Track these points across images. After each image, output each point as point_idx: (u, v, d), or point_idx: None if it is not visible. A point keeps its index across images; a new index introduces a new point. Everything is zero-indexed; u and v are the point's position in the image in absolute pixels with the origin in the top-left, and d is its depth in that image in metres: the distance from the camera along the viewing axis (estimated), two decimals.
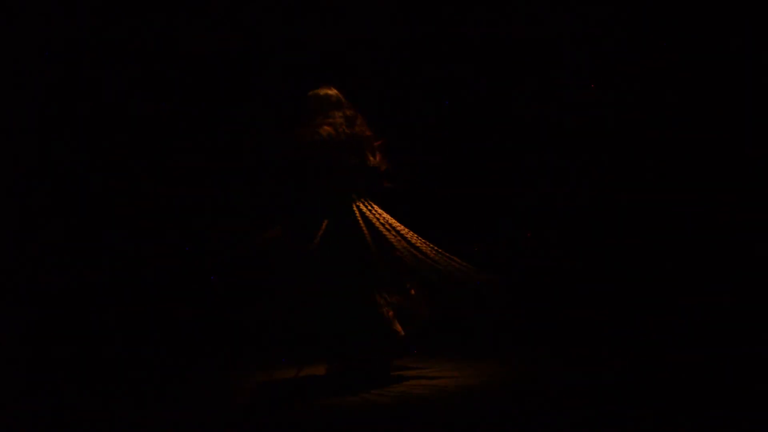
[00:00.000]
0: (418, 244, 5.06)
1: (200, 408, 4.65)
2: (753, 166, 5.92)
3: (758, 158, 5.89)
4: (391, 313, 4.94)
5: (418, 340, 5.26)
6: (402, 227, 5.11)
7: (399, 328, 4.93)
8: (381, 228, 5.04)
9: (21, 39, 6.08)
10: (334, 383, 5.01)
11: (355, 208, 5.06)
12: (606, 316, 6.02)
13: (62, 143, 6.24)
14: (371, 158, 5.15)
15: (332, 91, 5.17)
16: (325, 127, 5.04)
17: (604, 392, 4.59)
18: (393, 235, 5.04)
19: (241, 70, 6.41)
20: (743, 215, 5.88)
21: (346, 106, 5.16)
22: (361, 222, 5.02)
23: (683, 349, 5.39)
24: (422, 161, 6.31)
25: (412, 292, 5.06)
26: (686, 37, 6.08)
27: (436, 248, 5.07)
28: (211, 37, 6.33)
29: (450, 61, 6.42)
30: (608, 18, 6.20)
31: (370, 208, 5.11)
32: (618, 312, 6.04)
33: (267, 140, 5.42)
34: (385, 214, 5.12)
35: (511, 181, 6.38)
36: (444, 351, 5.70)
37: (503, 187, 6.38)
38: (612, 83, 6.25)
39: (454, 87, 6.44)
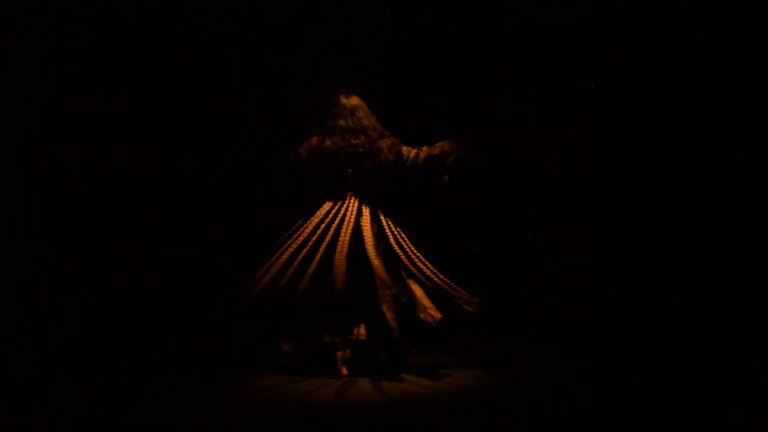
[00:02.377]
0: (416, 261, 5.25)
1: (199, 408, 4.65)
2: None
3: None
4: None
5: (417, 340, 5.27)
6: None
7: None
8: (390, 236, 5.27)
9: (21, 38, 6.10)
10: (332, 383, 5.03)
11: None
12: (606, 316, 6.05)
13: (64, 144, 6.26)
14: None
15: (356, 100, 5.44)
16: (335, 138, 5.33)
17: (603, 392, 4.60)
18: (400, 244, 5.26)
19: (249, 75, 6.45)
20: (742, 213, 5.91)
21: (359, 114, 5.40)
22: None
23: (682, 348, 5.40)
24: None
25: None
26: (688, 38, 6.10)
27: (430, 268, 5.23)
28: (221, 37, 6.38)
29: (449, 61, 6.44)
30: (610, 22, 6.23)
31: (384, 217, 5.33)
32: (618, 311, 6.06)
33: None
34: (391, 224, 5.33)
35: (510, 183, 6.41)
36: (443, 351, 5.70)
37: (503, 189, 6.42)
38: (612, 83, 6.27)
39: (453, 87, 6.46)
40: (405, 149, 5.37)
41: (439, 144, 5.34)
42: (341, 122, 5.37)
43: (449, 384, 4.90)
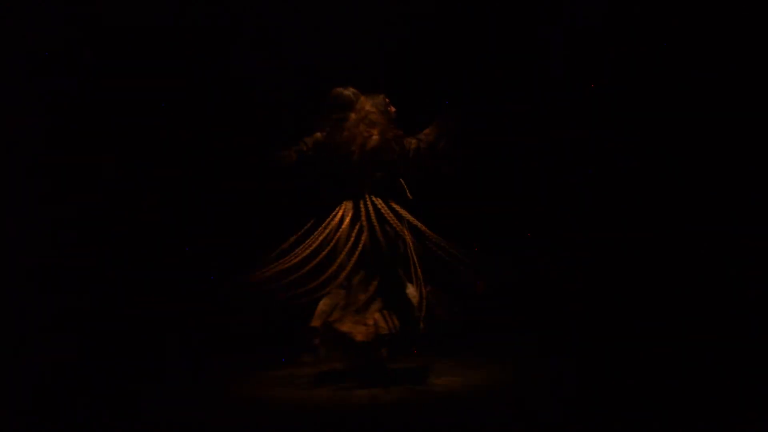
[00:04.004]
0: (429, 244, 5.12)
1: (199, 408, 4.66)
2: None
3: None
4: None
5: (418, 340, 5.26)
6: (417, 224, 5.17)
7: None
8: (396, 224, 5.11)
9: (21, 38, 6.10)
10: (334, 380, 5.03)
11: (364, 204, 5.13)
12: (606, 315, 6.05)
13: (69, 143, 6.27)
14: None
15: (350, 91, 5.23)
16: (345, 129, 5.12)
17: (604, 392, 4.61)
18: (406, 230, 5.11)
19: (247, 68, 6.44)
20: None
21: (366, 107, 5.19)
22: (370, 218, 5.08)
23: (682, 347, 5.40)
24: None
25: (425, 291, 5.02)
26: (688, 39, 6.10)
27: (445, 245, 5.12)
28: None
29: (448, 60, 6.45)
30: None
31: (383, 205, 5.16)
32: (619, 310, 6.06)
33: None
34: (402, 211, 5.18)
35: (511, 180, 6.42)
36: (446, 351, 5.71)
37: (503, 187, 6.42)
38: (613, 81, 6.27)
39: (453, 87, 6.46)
40: (406, 140, 5.24)
41: (426, 131, 5.24)
42: (352, 115, 5.18)
43: (449, 384, 4.90)
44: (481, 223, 6.37)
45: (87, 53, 6.21)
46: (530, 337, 6.03)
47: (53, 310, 6.08)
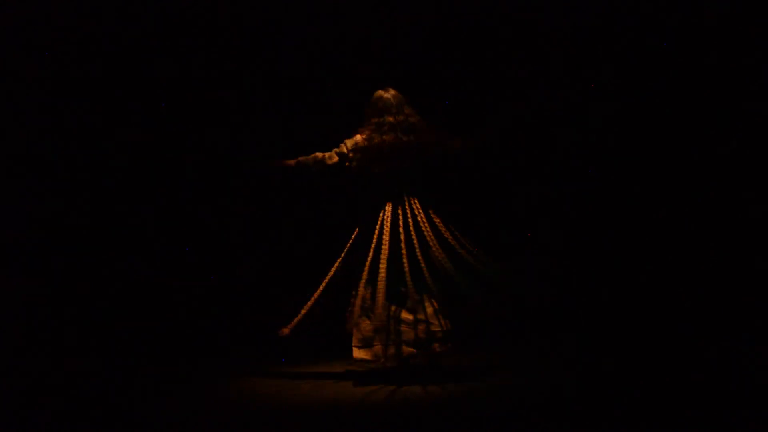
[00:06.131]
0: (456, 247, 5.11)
1: (199, 408, 4.66)
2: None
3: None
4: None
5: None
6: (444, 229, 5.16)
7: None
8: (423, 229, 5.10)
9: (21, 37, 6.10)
10: (334, 380, 5.04)
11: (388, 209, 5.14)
12: (608, 315, 6.06)
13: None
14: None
15: (391, 94, 5.20)
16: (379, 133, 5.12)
17: (605, 392, 4.62)
18: (430, 237, 5.09)
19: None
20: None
21: (405, 110, 5.19)
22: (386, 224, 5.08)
23: (682, 347, 5.41)
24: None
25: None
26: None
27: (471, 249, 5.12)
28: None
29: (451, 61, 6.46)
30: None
31: (416, 209, 5.15)
32: (619, 311, 6.07)
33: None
34: (428, 218, 5.17)
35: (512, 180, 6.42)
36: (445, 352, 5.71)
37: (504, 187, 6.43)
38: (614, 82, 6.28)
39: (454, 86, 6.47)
40: (449, 142, 5.24)
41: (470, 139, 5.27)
42: (389, 119, 5.14)
43: (449, 384, 4.91)
44: (480, 223, 6.39)
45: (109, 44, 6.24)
46: (529, 337, 6.05)
47: (53, 310, 6.10)
